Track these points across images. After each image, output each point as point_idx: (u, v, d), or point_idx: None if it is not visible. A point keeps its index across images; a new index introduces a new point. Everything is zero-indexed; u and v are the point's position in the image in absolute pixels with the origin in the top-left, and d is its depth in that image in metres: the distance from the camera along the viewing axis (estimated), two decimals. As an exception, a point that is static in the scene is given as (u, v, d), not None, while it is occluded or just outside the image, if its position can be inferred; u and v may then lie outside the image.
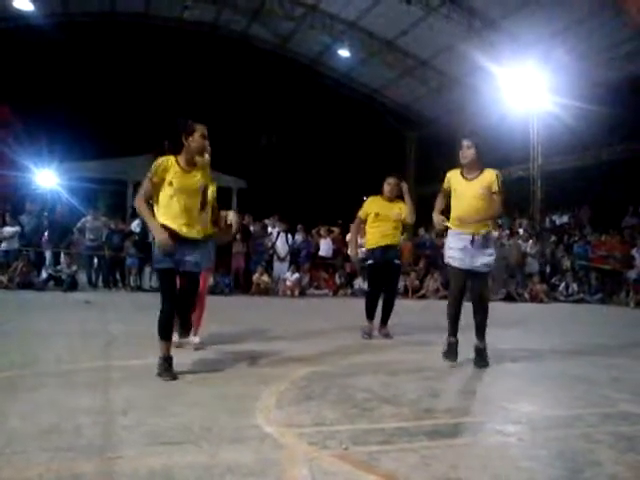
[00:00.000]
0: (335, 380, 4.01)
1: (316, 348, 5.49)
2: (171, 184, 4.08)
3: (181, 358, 4.72)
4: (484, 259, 4.72)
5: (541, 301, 13.83)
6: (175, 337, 4.62)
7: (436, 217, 4.86)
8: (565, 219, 18.97)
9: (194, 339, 5.28)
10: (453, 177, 4.86)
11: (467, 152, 4.74)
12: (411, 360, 5.11)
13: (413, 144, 26.49)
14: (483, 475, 2.27)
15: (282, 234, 14.39)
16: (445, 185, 4.93)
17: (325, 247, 15.25)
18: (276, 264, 14.40)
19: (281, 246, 14.38)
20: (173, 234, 4.03)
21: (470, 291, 4.84)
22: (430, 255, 15.76)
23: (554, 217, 19.41)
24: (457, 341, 4.84)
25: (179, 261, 4.08)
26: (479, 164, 4.75)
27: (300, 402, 3.37)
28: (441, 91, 22.26)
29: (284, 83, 24.88)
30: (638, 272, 14.27)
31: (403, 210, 6.45)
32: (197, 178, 4.22)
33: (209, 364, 4.47)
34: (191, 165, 4.21)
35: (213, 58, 24.12)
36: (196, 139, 4.18)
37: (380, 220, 6.45)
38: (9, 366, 4.12)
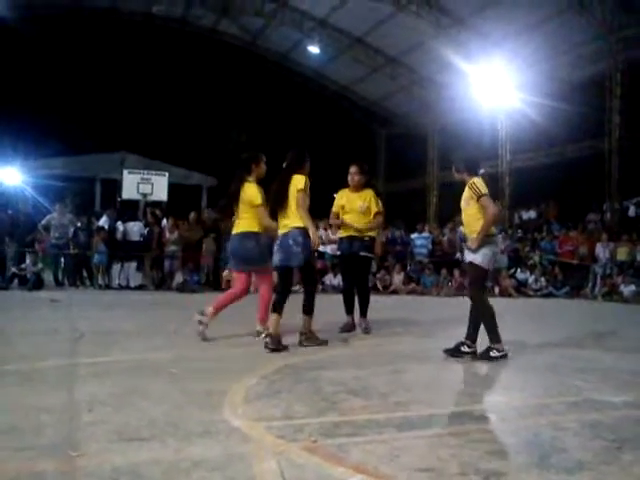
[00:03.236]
0: (305, 374, 3.99)
1: (287, 343, 5.45)
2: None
3: (150, 355, 4.66)
4: (469, 256, 4.87)
5: (510, 296, 13.99)
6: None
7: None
8: (532, 215, 19.24)
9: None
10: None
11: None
12: (382, 353, 5.11)
13: (383, 141, 26.57)
14: (452, 465, 2.27)
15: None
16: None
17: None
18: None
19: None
20: None
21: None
22: (400, 251, 15.85)
23: (522, 213, 19.68)
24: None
25: None
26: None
27: (269, 396, 3.34)
28: (411, 88, 22.36)
29: (254, 79, 24.74)
30: (603, 266, 14.56)
31: (368, 200, 6.36)
32: None
33: (177, 360, 4.41)
34: None
35: (182, 54, 23.90)
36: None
37: (346, 212, 6.41)
38: (-31, 365, 4.00)
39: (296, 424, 2.77)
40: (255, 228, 5.59)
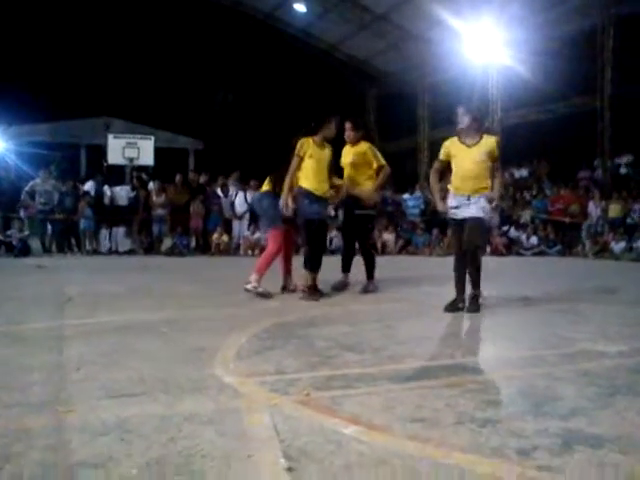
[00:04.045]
0: (297, 331, 3.96)
1: (278, 303, 5.43)
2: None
3: (140, 315, 4.61)
4: (478, 211, 4.78)
5: (501, 254, 14.03)
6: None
7: (439, 203, 5.01)
8: (524, 173, 19.15)
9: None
10: (451, 145, 4.91)
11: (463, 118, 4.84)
12: (374, 311, 5.09)
13: (373, 100, 26.22)
14: (448, 415, 2.24)
15: (240, 193, 14.14)
16: (442, 156, 4.95)
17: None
18: (235, 223, 14.21)
19: (239, 204, 14.14)
20: None
21: (464, 240, 4.86)
22: (391, 212, 15.83)
23: (513, 170, 19.58)
24: (462, 299, 4.86)
25: None
26: (477, 130, 4.86)
27: (261, 353, 3.30)
28: (400, 46, 21.96)
29: (239, 39, 24.16)
30: (595, 224, 14.58)
31: (362, 154, 6.14)
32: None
33: (167, 321, 4.35)
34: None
35: (165, 14, 23.22)
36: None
37: (344, 167, 6.30)
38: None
39: (288, 378, 2.73)
40: (275, 189, 5.90)
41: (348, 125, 6.25)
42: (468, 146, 4.82)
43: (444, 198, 5.02)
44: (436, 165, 5.08)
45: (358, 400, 2.41)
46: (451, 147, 4.90)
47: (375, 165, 6.20)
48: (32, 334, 3.81)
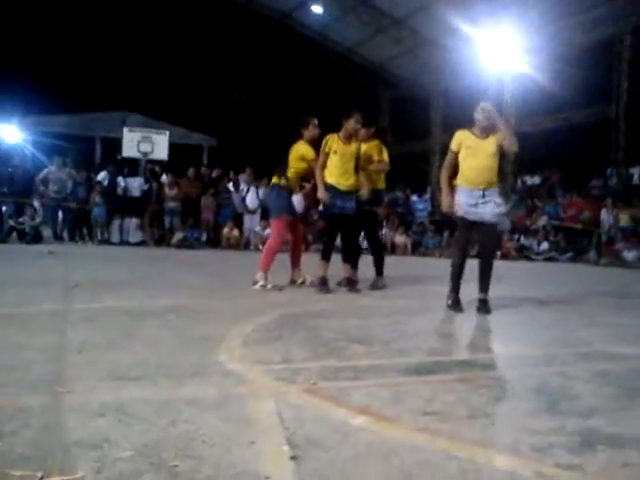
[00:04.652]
0: (305, 322, 3.88)
1: (287, 296, 5.36)
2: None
3: (146, 302, 4.55)
4: (494, 209, 4.67)
5: (512, 258, 13.88)
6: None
7: (446, 200, 4.83)
8: (537, 180, 18.97)
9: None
10: (464, 136, 4.78)
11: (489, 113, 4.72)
12: (383, 306, 5.01)
13: (387, 103, 26.11)
14: (459, 409, 2.15)
15: (252, 188, 14.08)
16: (454, 147, 4.81)
17: (296, 203, 14.99)
18: (246, 218, 14.15)
19: (251, 200, 14.08)
20: None
21: (477, 242, 4.75)
22: (402, 213, 15.72)
23: (526, 178, 19.40)
24: (459, 297, 4.75)
25: None
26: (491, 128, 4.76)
27: (267, 342, 3.22)
28: (416, 51, 21.83)
29: (256, 39, 24.14)
30: (607, 232, 14.41)
31: (366, 149, 6.11)
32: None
33: (174, 308, 4.28)
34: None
35: (183, 13, 23.27)
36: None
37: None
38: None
39: (295, 368, 2.65)
40: (282, 181, 5.93)
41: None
42: (482, 139, 4.70)
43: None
44: (449, 158, 4.91)
45: (367, 391, 2.32)
46: (464, 139, 4.76)
47: (376, 159, 6.14)
48: (35, 316, 3.74)
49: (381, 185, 6.31)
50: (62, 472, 1.48)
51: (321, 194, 5.71)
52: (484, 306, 4.65)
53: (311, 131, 5.97)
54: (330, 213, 5.81)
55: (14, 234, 12.10)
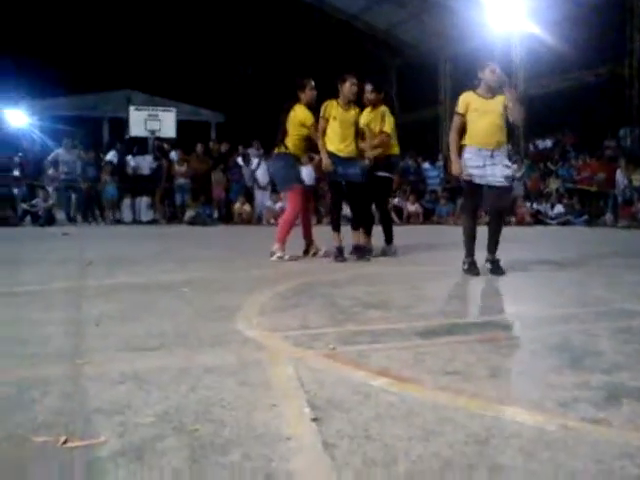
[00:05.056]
0: (320, 289, 3.87)
1: (302, 266, 5.35)
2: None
3: (160, 277, 4.56)
4: (504, 171, 4.59)
5: (526, 224, 13.76)
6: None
7: (456, 164, 4.71)
8: (548, 144, 18.68)
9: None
10: (471, 98, 4.68)
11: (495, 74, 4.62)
12: (398, 273, 4.98)
13: (394, 70, 25.76)
14: (481, 369, 2.12)
15: (263, 163, 14.00)
16: (461, 109, 4.70)
17: (306, 175, 14.90)
18: (257, 193, 14.10)
19: (261, 175, 14.01)
20: None
21: (489, 205, 4.69)
22: (413, 181, 15.61)
23: (537, 142, 19.11)
24: (475, 261, 4.70)
25: None
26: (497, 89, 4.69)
27: (284, 310, 3.21)
28: (421, 16, 21.44)
29: (258, 11, 23.80)
30: (622, 193, 14.18)
31: (375, 115, 6.04)
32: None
33: (189, 282, 4.28)
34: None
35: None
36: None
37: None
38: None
39: (313, 333, 2.63)
40: (289, 150, 5.79)
41: (369, 87, 6.07)
42: (488, 99, 4.61)
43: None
44: (456, 121, 4.77)
45: (386, 354, 2.30)
46: (471, 101, 4.65)
47: (379, 128, 6.00)
48: (52, 293, 3.76)
49: (396, 150, 6.22)
50: (84, 437, 1.48)
51: (325, 162, 5.59)
52: (495, 266, 4.61)
53: (308, 94, 5.81)
54: (333, 181, 5.74)
55: (28, 217, 12.16)
